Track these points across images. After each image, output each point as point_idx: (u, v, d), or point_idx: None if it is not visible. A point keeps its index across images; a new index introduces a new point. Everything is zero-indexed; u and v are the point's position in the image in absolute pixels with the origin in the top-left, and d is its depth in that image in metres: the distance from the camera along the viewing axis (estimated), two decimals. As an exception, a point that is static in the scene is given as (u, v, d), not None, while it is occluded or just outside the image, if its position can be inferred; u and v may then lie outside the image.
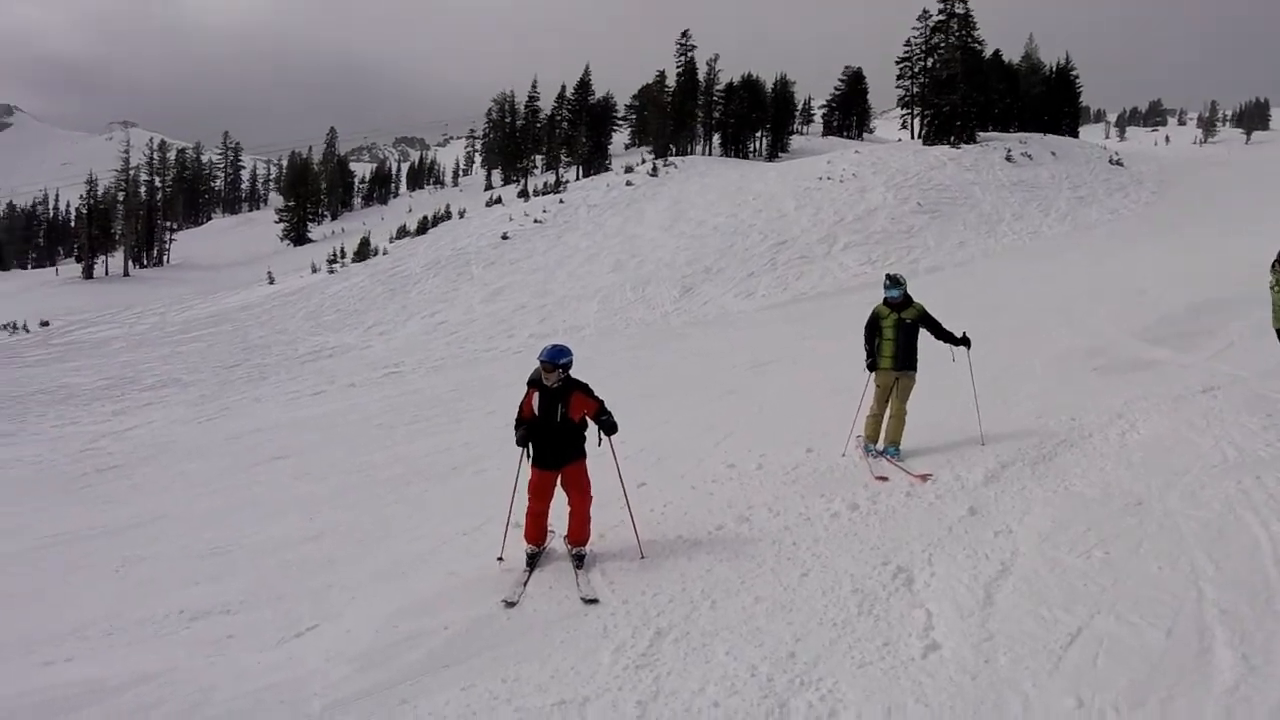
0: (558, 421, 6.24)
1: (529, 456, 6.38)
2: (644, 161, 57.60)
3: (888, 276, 8.73)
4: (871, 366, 8.62)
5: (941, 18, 56.76)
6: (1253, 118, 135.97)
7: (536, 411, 6.22)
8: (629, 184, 46.87)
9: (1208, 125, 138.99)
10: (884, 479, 7.70)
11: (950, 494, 7.14)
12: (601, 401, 6.38)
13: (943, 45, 57.09)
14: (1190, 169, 47.75)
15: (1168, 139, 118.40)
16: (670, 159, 58.04)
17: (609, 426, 6.31)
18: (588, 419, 6.37)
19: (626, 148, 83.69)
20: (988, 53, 60.31)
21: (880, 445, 8.50)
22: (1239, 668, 4.14)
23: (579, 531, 6.43)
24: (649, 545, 6.41)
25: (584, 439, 6.44)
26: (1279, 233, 21.73)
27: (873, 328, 8.64)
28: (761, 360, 15.41)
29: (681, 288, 28.18)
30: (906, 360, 8.49)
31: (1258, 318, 13.09)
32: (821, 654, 4.69)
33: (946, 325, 8.57)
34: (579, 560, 6.32)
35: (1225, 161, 55.51)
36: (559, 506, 6.56)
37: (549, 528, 6.59)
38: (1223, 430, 8.16)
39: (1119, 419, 8.79)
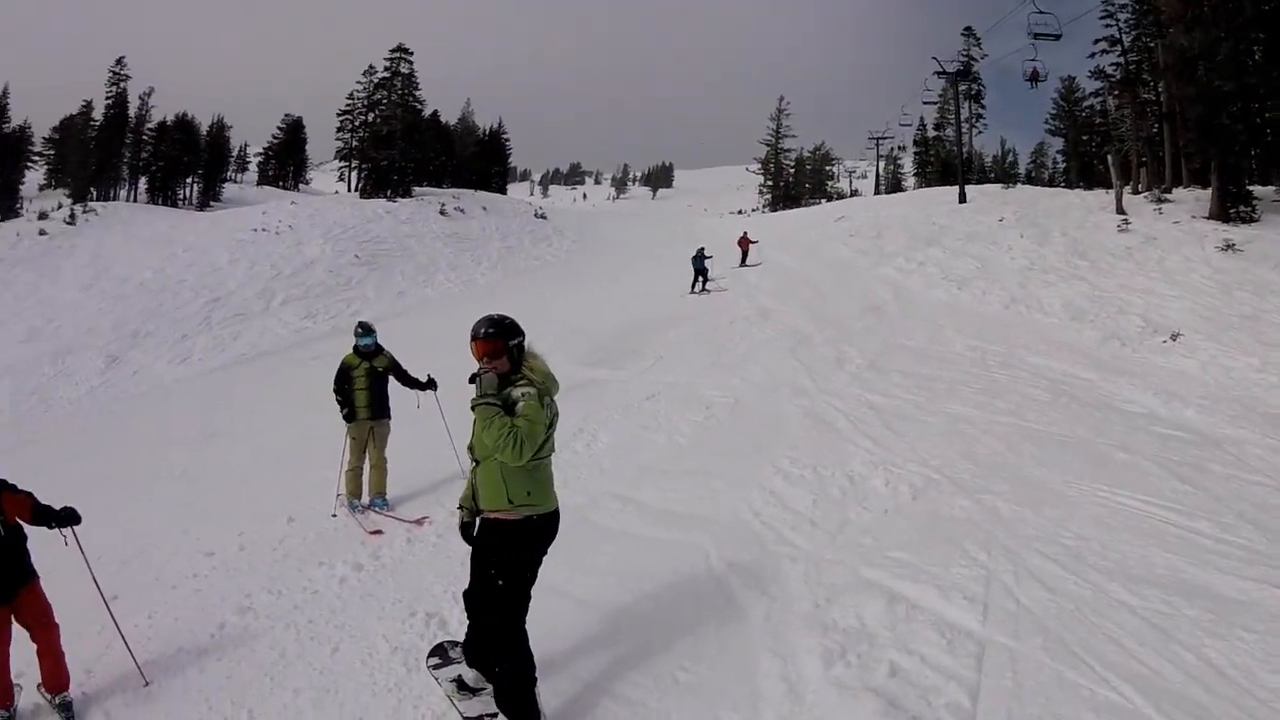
0: (2, 535, 5.25)
1: None
2: (60, 207, 50.31)
3: (361, 324, 9.12)
4: (349, 417, 8.80)
5: (386, 75, 60.75)
6: (659, 178, 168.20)
7: None
8: (42, 233, 40.49)
9: (620, 184, 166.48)
10: (379, 532, 7.94)
11: (451, 529, 7.52)
12: (31, 494, 5.52)
13: (385, 101, 60.65)
14: (605, 220, 57.06)
15: (585, 195, 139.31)
16: (91, 204, 51.50)
17: (67, 516, 5.45)
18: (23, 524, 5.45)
19: (41, 189, 71.74)
20: (427, 112, 65.90)
21: (366, 499, 8.71)
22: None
23: (56, 674, 5.45)
24: (150, 666, 5.69)
25: (28, 553, 5.49)
26: (675, 262, 27.36)
27: (344, 378, 8.86)
28: (214, 430, 14.50)
29: (107, 357, 25.19)
30: (381, 408, 8.90)
31: (671, 337, 16.40)
32: (388, 722, 4.91)
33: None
34: (67, 711, 5.36)
35: (635, 214, 66.69)
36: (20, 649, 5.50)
37: (13, 683, 5.48)
38: (672, 425, 10.17)
39: (581, 432, 10.42)
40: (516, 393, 4.36)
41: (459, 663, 4.92)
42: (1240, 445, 8.94)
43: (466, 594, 4.73)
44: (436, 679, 4.90)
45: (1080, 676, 4.45)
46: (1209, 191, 24.08)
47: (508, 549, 4.45)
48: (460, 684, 4.77)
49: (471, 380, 4.45)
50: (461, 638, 5.01)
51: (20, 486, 5.41)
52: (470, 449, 4.60)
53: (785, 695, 4.56)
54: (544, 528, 4.52)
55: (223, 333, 27.49)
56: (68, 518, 5.43)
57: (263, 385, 19.68)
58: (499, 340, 4.48)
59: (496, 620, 4.49)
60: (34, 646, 5.32)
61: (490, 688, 4.63)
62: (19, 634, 5.31)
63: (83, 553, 5.54)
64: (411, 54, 60.72)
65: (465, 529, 4.70)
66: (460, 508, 4.75)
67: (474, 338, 4.48)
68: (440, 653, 5.12)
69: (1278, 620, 5.05)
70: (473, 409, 4.31)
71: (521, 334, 4.59)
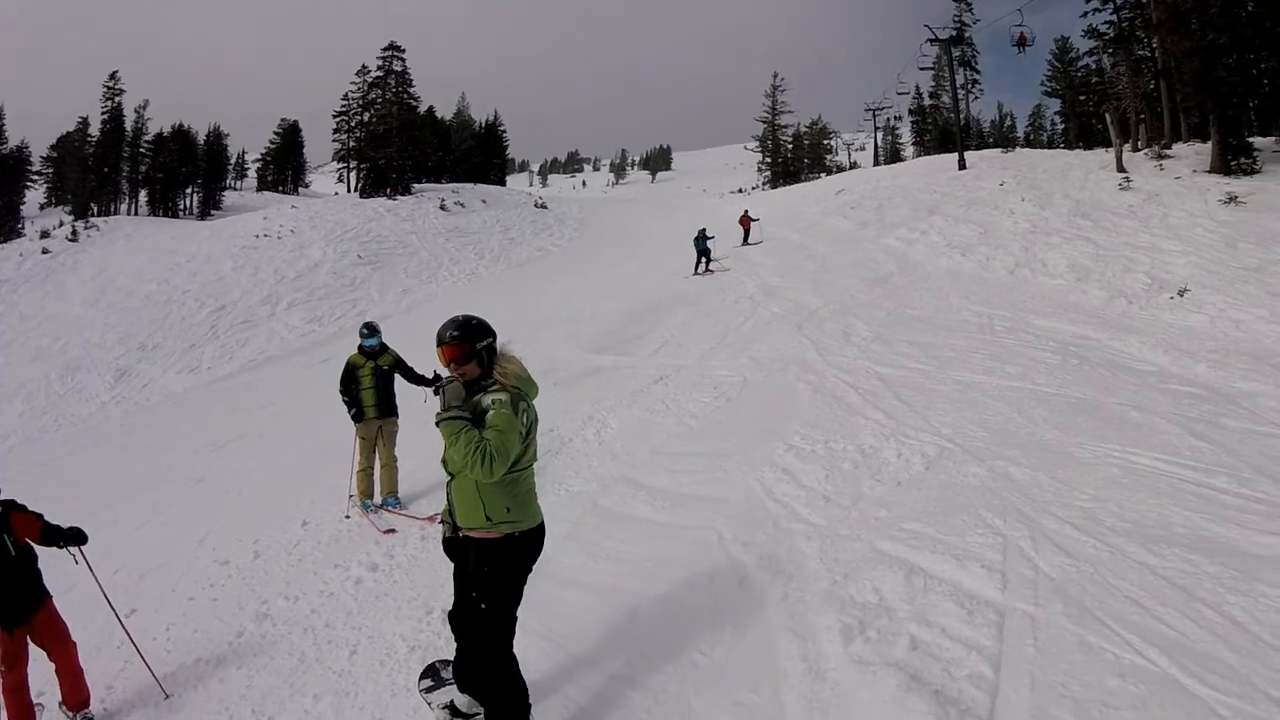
0: (12, 555, 5.19)
1: None
2: (61, 224, 50.62)
3: (365, 325, 9.13)
4: (357, 417, 8.83)
5: (380, 74, 61.31)
6: (658, 161, 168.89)
7: None
8: (45, 252, 40.66)
9: (619, 170, 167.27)
10: (393, 531, 7.97)
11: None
12: (40, 515, 5.48)
13: (380, 100, 61.24)
14: (606, 206, 57.20)
15: (584, 183, 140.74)
16: (92, 220, 51.78)
17: (74, 535, 5.44)
18: (33, 544, 5.41)
19: (42, 208, 72.13)
20: (422, 108, 66.15)
21: (378, 499, 8.74)
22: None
23: (76, 691, 5.44)
24: (170, 679, 5.70)
25: (40, 573, 5.45)
26: (677, 244, 27.39)
27: (350, 378, 8.88)
28: (225, 438, 14.56)
29: (116, 371, 25.45)
30: (388, 407, 8.94)
31: (677, 319, 16.39)
32: (418, 731, 4.87)
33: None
34: None
35: (634, 198, 66.93)
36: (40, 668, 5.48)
37: (34, 702, 5.39)
38: (681, 407, 10.30)
39: (592, 419, 10.49)
40: (487, 400, 4.02)
41: (450, 684, 4.63)
42: (1254, 398, 8.84)
43: (451, 615, 4.38)
44: (429, 704, 4.69)
45: (1103, 640, 4.39)
46: (1209, 145, 23.92)
47: (488, 570, 4.12)
48: (453, 710, 4.48)
49: (436, 390, 4.16)
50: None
51: (30, 507, 5.40)
52: (443, 463, 4.19)
53: (805, 674, 4.51)
54: (527, 545, 4.20)
55: (230, 340, 27.76)
56: (74, 537, 5.41)
57: (272, 391, 19.80)
58: (464, 344, 4.10)
59: (482, 645, 4.19)
60: (53, 666, 5.33)
61: (484, 713, 4.34)
62: (38, 654, 5.31)
63: (92, 571, 5.53)
64: (404, 51, 61.02)
65: (449, 544, 4.34)
66: (443, 521, 4.39)
67: (439, 343, 4.12)
68: (432, 674, 4.88)
69: (1301, 574, 4.98)
70: (438, 425, 3.95)
71: (491, 335, 4.22)
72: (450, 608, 4.39)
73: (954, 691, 4.11)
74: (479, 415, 3.97)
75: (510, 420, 3.94)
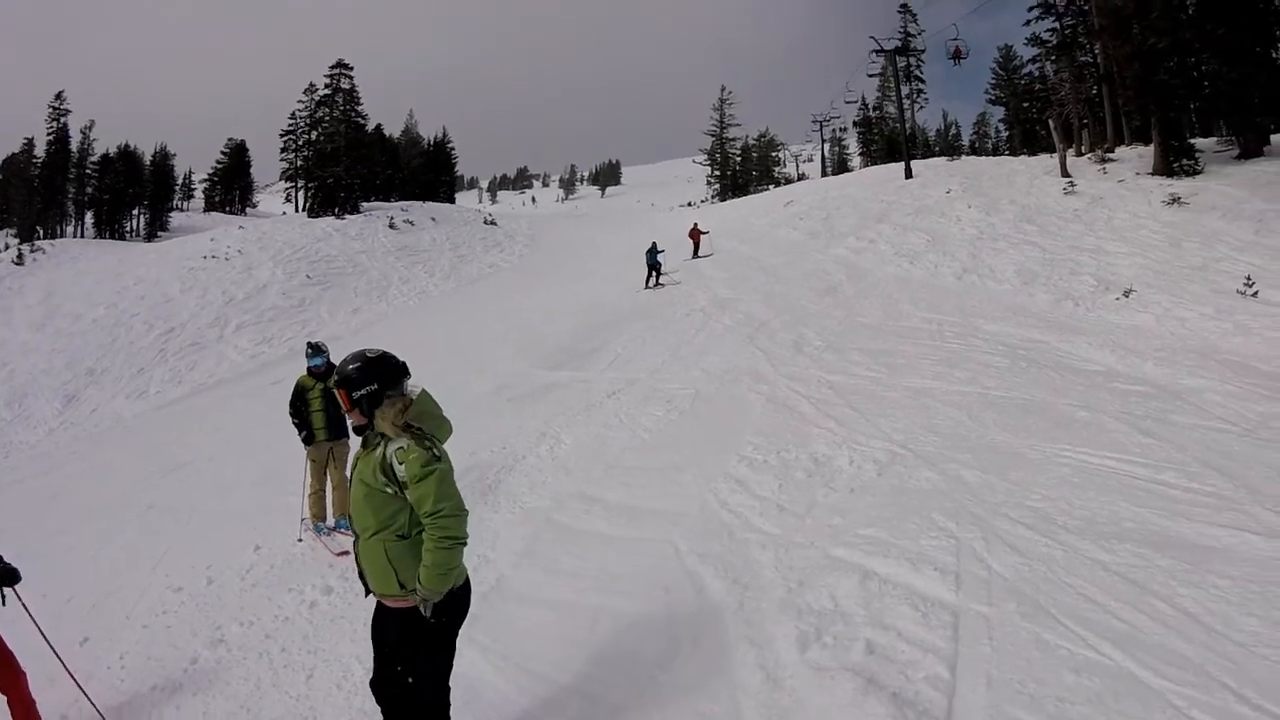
0: None
1: None
2: (7, 248, 49.49)
3: (310, 345, 9.02)
4: (307, 440, 8.72)
5: (327, 92, 60.92)
6: (607, 175, 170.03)
7: None
8: None
9: (568, 185, 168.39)
10: (346, 553, 7.79)
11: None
12: None
13: (327, 119, 60.90)
14: (556, 222, 57.14)
15: (534, 199, 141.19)
16: (38, 243, 50.72)
17: (8, 575, 5.32)
18: None
19: None
20: (370, 127, 65.90)
21: (331, 521, 8.63)
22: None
23: None
24: (125, 708, 5.58)
25: None
26: (628, 259, 27.47)
27: (299, 400, 8.79)
28: (176, 463, 14.27)
29: (64, 397, 24.94)
30: (339, 428, 8.78)
31: (629, 334, 16.44)
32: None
33: None
34: None
35: (584, 213, 67.21)
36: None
37: None
38: (635, 422, 10.32)
39: (545, 435, 10.43)
40: (388, 453, 3.57)
41: None
42: (1200, 394, 9.06)
43: (373, 684, 3.88)
44: None
45: (1058, 637, 4.46)
46: (1151, 148, 24.50)
47: (409, 641, 3.68)
48: None
49: (358, 432, 3.79)
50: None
51: None
52: (348, 517, 3.64)
53: (763, 683, 4.52)
54: (451, 609, 3.70)
55: (179, 364, 27.33)
56: (7, 576, 5.26)
57: (221, 414, 19.45)
58: (343, 391, 3.66)
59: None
60: (4, 698, 5.21)
61: None
62: None
63: (25, 607, 5.33)
64: (351, 69, 60.60)
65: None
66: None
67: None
68: None
69: (1250, 564, 5.11)
70: (427, 609, 3.56)
71: (372, 382, 3.64)
72: (371, 676, 3.95)
73: (911, 693, 4.15)
74: (388, 471, 3.56)
75: (419, 460, 3.51)
